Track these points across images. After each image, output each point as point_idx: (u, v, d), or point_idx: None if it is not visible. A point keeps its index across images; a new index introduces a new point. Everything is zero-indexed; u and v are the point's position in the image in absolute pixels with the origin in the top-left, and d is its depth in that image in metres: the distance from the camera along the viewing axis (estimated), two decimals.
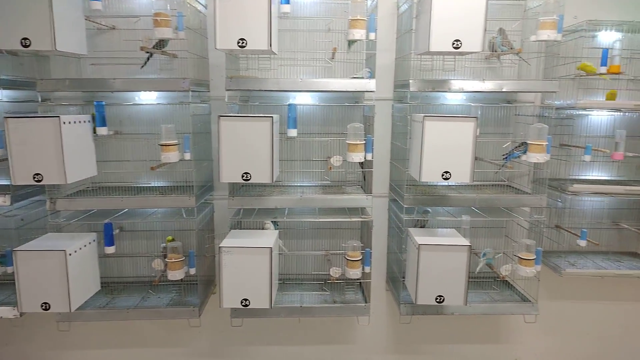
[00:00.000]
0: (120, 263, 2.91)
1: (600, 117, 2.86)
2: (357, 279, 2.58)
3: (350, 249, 2.55)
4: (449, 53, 2.22)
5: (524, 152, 2.47)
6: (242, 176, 2.21)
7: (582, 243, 2.64)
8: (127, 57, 2.56)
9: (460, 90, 2.40)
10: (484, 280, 2.84)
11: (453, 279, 2.32)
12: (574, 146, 2.74)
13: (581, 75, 2.62)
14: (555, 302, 3.13)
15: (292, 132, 2.44)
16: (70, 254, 2.24)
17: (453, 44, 2.12)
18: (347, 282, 2.76)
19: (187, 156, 2.47)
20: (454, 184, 2.79)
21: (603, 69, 2.47)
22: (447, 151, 2.21)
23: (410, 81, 2.39)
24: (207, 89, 2.76)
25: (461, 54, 2.26)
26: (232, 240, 2.33)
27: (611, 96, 2.63)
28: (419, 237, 2.39)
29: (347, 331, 3.10)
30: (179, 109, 2.64)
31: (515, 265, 2.58)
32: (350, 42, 2.48)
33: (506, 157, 2.59)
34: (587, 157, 2.57)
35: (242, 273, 2.27)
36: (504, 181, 2.77)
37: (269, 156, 2.19)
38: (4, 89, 2.41)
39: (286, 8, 2.29)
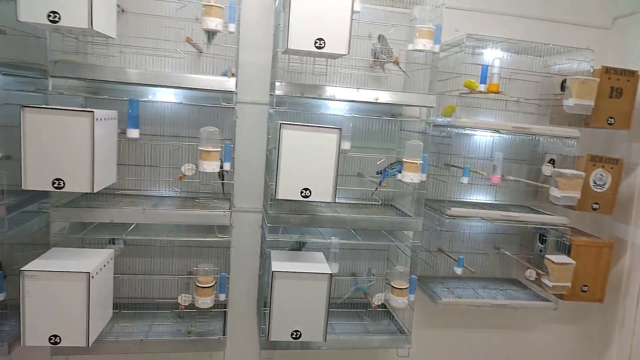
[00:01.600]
0: None
1: (481, 138, 2.75)
2: (208, 309, 2.21)
3: (201, 274, 2.18)
4: (311, 53, 1.95)
5: (399, 171, 2.26)
6: (53, 183, 1.78)
7: (458, 270, 2.47)
8: None
9: (332, 97, 2.14)
10: (358, 310, 2.59)
11: (311, 311, 2.03)
12: (454, 166, 2.59)
13: (463, 93, 2.48)
14: (433, 330, 2.97)
15: (133, 133, 2.04)
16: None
17: (315, 42, 1.85)
18: (199, 312, 2.38)
19: None
20: (324, 201, 2.52)
21: (482, 87, 2.33)
22: (307, 165, 1.92)
23: (277, 84, 2.10)
24: (43, 74, 2.28)
25: (328, 55, 2.00)
26: (42, 262, 1.88)
27: (450, 110, 2.49)
28: (277, 262, 2.08)
29: None
30: None
31: (388, 294, 2.35)
32: (210, 33, 2.15)
33: (381, 175, 2.36)
34: (465, 179, 2.42)
35: (51, 303, 1.82)
36: (378, 201, 2.54)
37: (89, 160, 1.77)
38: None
39: None
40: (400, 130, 2.66)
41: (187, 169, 2.12)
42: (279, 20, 2.16)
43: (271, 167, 2.23)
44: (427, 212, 2.62)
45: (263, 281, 2.34)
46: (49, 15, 1.66)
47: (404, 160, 2.23)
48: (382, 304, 2.46)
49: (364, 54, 2.49)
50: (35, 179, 1.76)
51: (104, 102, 2.24)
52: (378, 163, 2.47)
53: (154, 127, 2.38)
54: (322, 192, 1.95)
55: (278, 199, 1.97)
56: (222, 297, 2.23)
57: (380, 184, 2.36)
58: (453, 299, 2.58)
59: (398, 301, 2.29)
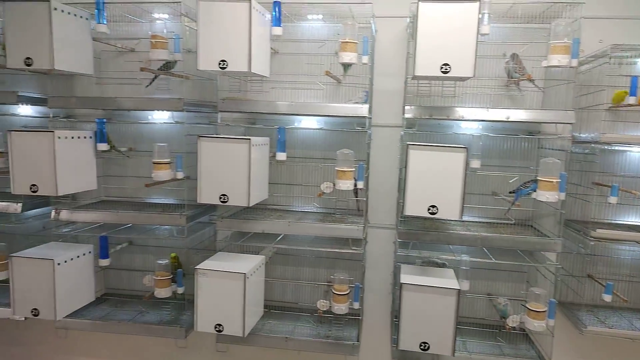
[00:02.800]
0: (128, 275, 2.98)
1: (633, 154, 2.49)
2: (343, 314, 2.41)
3: (337, 282, 2.40)
4: (437, 78, 2.05)
5: (534, 189, 2.20)
6: (220, 198, 2.18)
7: (607, 298, 2.28)
8: (135, 77, 2.66)
9: (461, 118, 2.21)
10: (492, 330, 2.54)
11: (440, 324, 2.09)
12: (600, 185, 2.40)
13: (611, 107, 2.31)
14: None
15: (281, 156, 2.38)
16: (59, 264, 2.33)
17: (441, 68, 1.96)
18: (336, 317, 2.60)
19: (180, 175, 2.49)
20: (454, 219, 2.55)
21: (632, 99, 2.15)
22: (434, 183, 2.02)
23: (406, 107, 2.25)
24: (214, 110, 2.79)
25: (455, 79, 2.08)
26: (210, 263, 2.29)
27: (620, 96, 2.25)
28: (406, 275, 2.19)
29: None
30: (181, 128, 2.68)
31: (523, 316, 2.28)
32: (346, 66, 2.39)
33: (515, 194, 2.32)
34: (613, 199, 2.23)
35: (217, 297, 2.22)
36: (511, 220, 2.48)
37: (246, 179, 2.14)
38: (25, 104, 2.60)
39: (277, 31, 2.26)
40: (539, 147, 2.57)
41: (326, 186, 2.37)
42: (410, 49, 2.31)
43: (402, 186, 2.37)
44: (569, 234, 2.47)
45: (395, 294, 2.47)
46: (219, 63, 2.08)
47: (539, 178, 2.17)
48: (520, 327, 2.38)
49: (499, 73, 2.50)
50: (207, 194, 2.19)
51: (259, 130, 2.64)
52: (510, 182, 2.43)
53: (298, 150, 2.70)
54: (449, 210, 2.02)
55: (409, 216, 2.09)
56: (356, 305, 2.41)
57: (513, 202, 2.32)
58: (602, 329, 2.37)
59: (534, 324, 2.21)
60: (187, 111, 2.42)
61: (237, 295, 2.18)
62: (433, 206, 2.03)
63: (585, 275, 2.56)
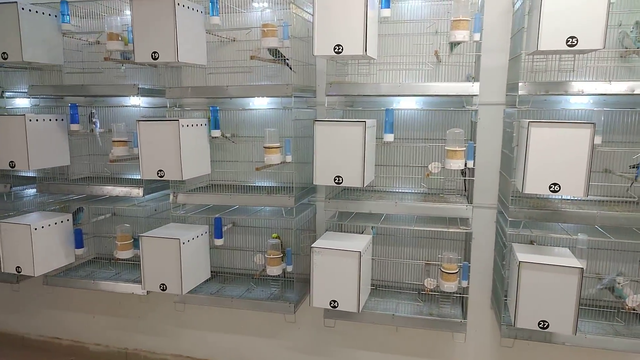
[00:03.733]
0: (232, 255, 3.17)
1: None
2: (452, 293, 2.44)
3: (445, 261, 2.43)
4: (561, 52, 1.99)
5: None
6: (335, 179, 2.26)
7: None
8: (242, 65, 2.78)
9: (580, 92, 2.14)
10: (609, 310, 2.48)
11: (560, 303, 2.07)
12: None
13: None
14: None
15: (389, 137, 2.41)
16: (184, 243, 2.52)
17: (567, 41, 1.90)
18: (442, 295, 2.63)
19: (289, 159, 2.59)
20: (570, 197, 2.48)
21: None
22: (556, 161, 1.98)
23: (520, 84, 2.20)
24: (313, 94, 2.87)
25: (578, 52, 2.01)
26: (324, 242, 2.39)
27: None
28: (522, 253, 2.18)
29: (442, 347, 2.95)
30: (286, 113, 2.78)
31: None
32: (453, 45, 2.37)
33: (637, 170, 2.22)
34: None
35: (332, 275, 2.32)
36: (634, 198, 2.38)
37: (361, 161, 2.20)
38: (143, 96, 2.80)
39: (386, 12, 2.28)
40: None
41: (434, 167, 2.39)
42: (522, 24, 2.25)
43: (511, 165, 2.34)
44: None
45: (503, 273, 2.46)
46: (335, 48, 2.13)
47: None
48: (628, 310, 2.31)
49: (612, 44, 2.38)
50: (322, 176, 2.27)
51: (360, 113, 2.69)
52: (634, 157, 2.33)
53: (401, 131, 2.72)
54: (573, 188, 1.98)
55: (518, 195, 2.06)
56: (464, 283, 2.44)
57: (636, 178, 2.23)
58: None
59: None
60: (294, 97, 2.51)
61: (353, 273, 2.27)
62: (555, 184, 1.99)
63: None
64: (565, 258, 2.14)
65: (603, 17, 1.85)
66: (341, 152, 2.22)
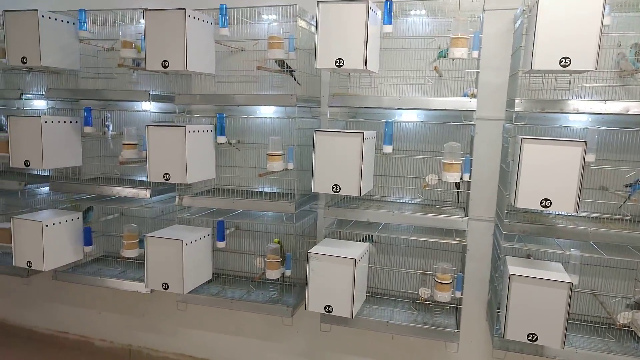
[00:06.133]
0: (234, 258, 3.25)
1: None
2: (445, 303, 2.49)
3: (439, 271, 2.48)
4: (555, 71, 2.05)
5: None
6: (333, 188, 2.33)
7: None
8: (249, 75, 2.88)
9: (575, 111, 2.19)
10: (599, 326, 2.50)
11: (550, 317, 2.11)
12: None
13: None
14: None
15: (387, 149, 2.48)
16: (187, 244, 2.61)
17: (561, 61, 1.96)
18: (436, 305, 2.67)
19: (290, 166, 2.68)
20: (565, 213, 2.53)
21: None
22: (548, 177, 2.03)
23: (516, 100, 2.26)
24: (317, 104, 2.95)
25: (572, 72, 2.07)
26: (321, 248, 2.46)
27: None
28: (513, 267, 2.23)
29: (436, 357, 2.99)
30: (290, 122, 2.87)
31: (637, 313, 2.23)
32: (439, 55, 2.44)
33: (630, 189, 2.26)
34: None
35: (328, 280, 2.38)
36: (627, 216, 2.41)
37: (358, 170, 2.27)
38: (153, 101, 2.91)
39: (388, 28, 2.36)
40: None
41: (431, 178, 2.45)
42: (520, 43, 2.31)
43: (507, 179, 2.39)
44: None
45: (497, 285, 2.50)
46: (336, 62, 2.22)
47: None
48: (626, 325, 2.33)
49: (609, 64, 2.43)
50: (320, 184, 2.35)
51: (361, 124, 2.77)
52: (627, 176, 2.37)
53: (401, 143, 2.79)
54: (563, 203, 2.03)
55: (512, 210, 2.11)
56: (458, 294, 2.48)
57: (629, 197, 2.27)
58: None
59: None
60: (298, 106, 2.59)
61: (347, 279, 2.34)
62: (546, 199, 2.04)
63: None
64: (556, 273, 2.18)
65: (596, 39, 1.90)
66: (340, 162, 2.30)
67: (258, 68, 2.63)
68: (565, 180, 2.01)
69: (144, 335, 3.64)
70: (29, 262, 2.88)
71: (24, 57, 2.69)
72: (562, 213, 2.53)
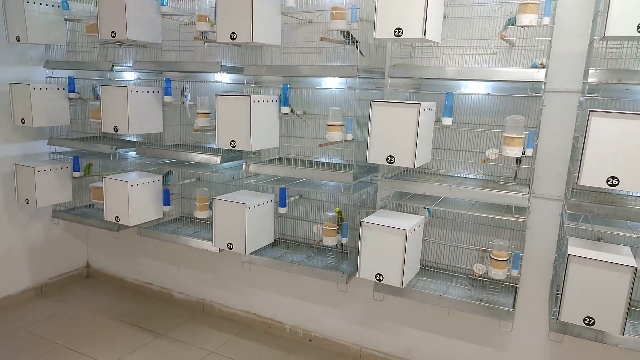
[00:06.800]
0: (297, 224, 3.40)
1: None
2: (500, 280, 2.44)
3: (496, 248, 2.42)
4: (631, 39, 1.88)
5: None
6: (387, 159, 2.35)
7: None
8: (314, 47, 2.94)
9: None
10: None
11: (609, 301, 2.00)
12: None
13: None
14: None
15: (447, 121, 2.44)
16: (249, 208, 2.78)
17: (638, 27, 1.79)
18: (491, 282, 2.62)
19: (349, 137, 2.73)
20: (636, 194, 2.33)
21: None
22: (617, 153, 1.89)
23: (590, 71, 2.11)
24: (382, 76, 2.95)
25: None
26: (374, 218, 2.51)
27: None
28: (575, 247, 2.12)
29: (489, 334, 2.93)
30: (351, 93, 2.90)
31: None
32: (506, 24, 2.31)
33: None
34: None
35: (379, 249, 2.44)
36: None
37: (413, 142, 2.27)
38: (226, 72, 3.08)
39: None
40: None
41: (491, 152, 2.38)
42: (599, 7, 2.13)
43: (576, 155, 2.25)
44: None
45: (558, 266, 2.40)
46: (395, 31, 2.21)
47: None
48: None
49: None
50: (375, 155, 2.38)
51: (425, 95, 2.73)
52: None
53: (465, 116, 2.72)
54: (633, 182, 1.88)
55: (582, 188, 2.00)
56: (514, 272, 2.42)
57: None
58: None
59: None
60: (359, 77, 2.61)
61: (398, 249, 2.37)
62: (613, 177, 1.91)
63: None
64: (621, 256, 2.04)
65: None
66: (395, 133, 2.31)
67: (321, 39, 2.68)
68: (636, 157, 1.86)
69: (215, 291, 3.96)
70: (117, 217, 3.24)
71: (113, 32, 2.97)
72: (634, 194, 2.34)
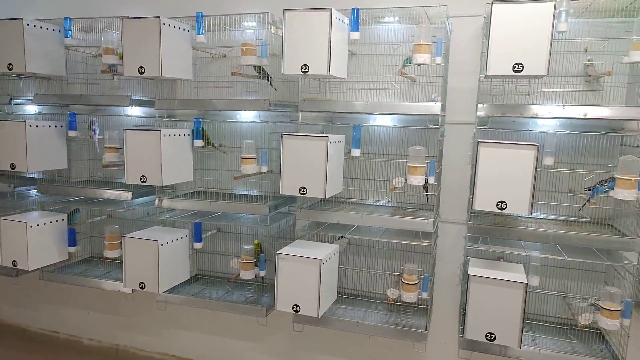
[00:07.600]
0: (215, 259, 3.32)
1: None
2: (412, 303, 2.54)
3: (406, 272, 2.53)
4: (509, 77, 2.10)
5: (611, 187, 2.18)
6: (299, 190, 2.40)
7: None
8: (226, 80, 2.97)
9: (535, 115, 2.24)
10: (561, 327, 2.53)
11: (507, 317, 2.15)
12: None
13: None
14: None
15: (356, 152, 2.55)
16: (162, 244, 2.69)
17: (514, 67, 2.01)
18: (405, 306, 2.72)
19: (264, 169, 2.75)
20: (524, 215, 2.56)
21: None
22: (504, 179, 2.08)
23: (478, 105, 2.32)
24: (295, 109, 3.02)
25: (526, 77, 2.12)
26: (290, 249, 2.53)
27: None
28: (474, 267, 2.27)
29: (405, 357, 3.03)
30: (264, 126, 2.94)
31: (597, 314, 2.26)
32: (405, 63, 2.51)
33: (591, 192, 2.30)
34: None
35: (295, 280, 2.44)
36: (586, 218, 2.44)
37: (323, 173, 2.33)
38: (135, 106, 3.00)
39: (355, 35, 2.43)
40: (621, 145, 2.51)
41: (398, 181, 2.51)
42: (484, 48, 2.36)
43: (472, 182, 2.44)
44: None
45: (462, 286, 2.54)
46: (301, 68, 2.29)
47: (616, 176, 2.15)
48: (593, 326, 2.36)
49: (579, 69, 2.48)
50: (288, 186, 2.42)
51: (336, 128, 2.84)
52: (586, 179, 2.41)
53: (373, 147, 2.85)
54: (518, 206, 2.07)
55: (481, 212, 2.15)
56: (424, 294, 2.53)
57: (589, 200, 2.31)
58: None
59: (607, 323, 2.19)
60: (271, 111, 2.66)
61: (313, 279, 2.39)
62: (502, 202, 2.09)
63: None
64: (514, 274, 2.22)
65: (546, 46, 1.95)
66: (306, 165, 2.36)
67: (233, 74, 2.71)
68: (519, 182, 2.05)
69: (129, 335, 3.72)
70: (14, 261, 2.98)
71: (10, 64, 2.80)
72: (523, 215, 2.57)
